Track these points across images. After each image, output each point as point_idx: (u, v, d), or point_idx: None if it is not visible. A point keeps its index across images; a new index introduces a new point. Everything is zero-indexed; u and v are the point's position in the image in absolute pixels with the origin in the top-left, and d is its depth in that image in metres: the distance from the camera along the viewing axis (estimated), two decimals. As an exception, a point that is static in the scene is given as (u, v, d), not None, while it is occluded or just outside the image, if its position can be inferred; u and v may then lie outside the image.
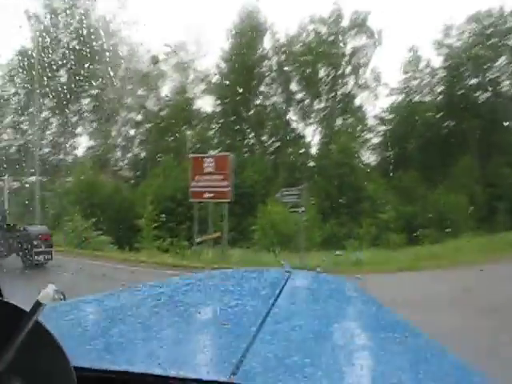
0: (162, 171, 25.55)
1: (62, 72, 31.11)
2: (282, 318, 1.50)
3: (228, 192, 14.41)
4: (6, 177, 15.42)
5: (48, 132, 31.98)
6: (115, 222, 21.33)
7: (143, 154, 32.88)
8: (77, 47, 30.71)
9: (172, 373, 0.95)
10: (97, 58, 30.42)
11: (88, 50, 30.49)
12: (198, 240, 15.05)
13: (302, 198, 15.71)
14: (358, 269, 14.03)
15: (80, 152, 34.67)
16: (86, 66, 30.00)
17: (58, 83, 30.47)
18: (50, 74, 29.99)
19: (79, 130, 32.46)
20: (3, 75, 26.48)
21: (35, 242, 12.59)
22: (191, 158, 16.64)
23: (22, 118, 31.15)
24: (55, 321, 1.21)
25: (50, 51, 30.27)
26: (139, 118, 33.05)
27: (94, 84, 31.76)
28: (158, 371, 0.96)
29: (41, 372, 0.77)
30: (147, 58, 32.64)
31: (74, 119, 32.20)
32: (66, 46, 31.05)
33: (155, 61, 29.78)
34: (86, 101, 32.32)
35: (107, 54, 30.39)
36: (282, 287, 1.91)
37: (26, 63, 30.09)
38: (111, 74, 31.29)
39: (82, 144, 33.56)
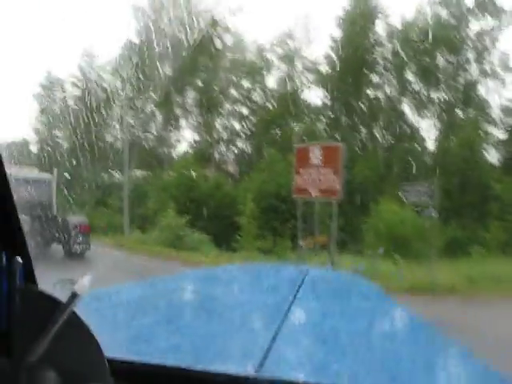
0: (266, 166, 23.68)
1: (167, 64, 30.37)
2: (303, 315, 1.53)
3: (338, 189, 11.85)
4: (55, 170, 15.34)
5: (153, 125, 31.48)
6: (214, 220, 19.95)
7: (248, 148, 31.33)
8: (182, 38, 29.91)
9: (200, 367, 0.96)
10: (201, 48, 29.41)
11: (192, 41, 29.60)
12: (302, 245, 12.75)
13: (432, 196, 12.87)
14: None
15: (184, 146, 34.14)
16: (191, 57, 29.05)
17: (162, 76, 29.82)
18: (154, 67, 29.52)
19: (183, 123, 31.67)
20: (110, 69, 26.03)
21: (73, 232, 13.27)
22: (295, 148, 14.28)
23: (129, 111, 30.98)
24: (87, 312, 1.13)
25: (155, 44, 29.77)
26: (244, 110, 31.53)
27: (199, 76, 30.79)
28: (185, 365, 0.97)
29: (75, 363, 0.78)
30: (253, 47, 31.07)
31: (179, 112, 31.37)
32: (169, 37, 30.34)
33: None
34: (190, 93, 31.42)
35: (211, 44, 29.20)
36: (301, 284, 1.91)
37: (131, 56, 29.82)
38: (216, 64, 30.11)
39: (186, 137, 32.53)
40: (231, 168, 31.34)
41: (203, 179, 24.19)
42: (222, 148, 31.85)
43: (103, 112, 29.70)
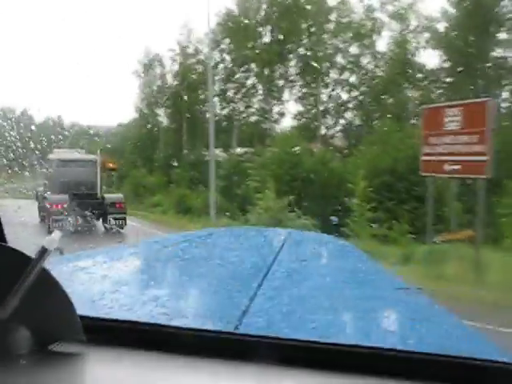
0: (378, 138, 20.90)
1: (267, 32, 28.28)
2: (283, 274, 1.53)
3: (485, 163, 8.82)
4: (98, 152, 16.30)
5: (254, 99, 29.61)
6: (319, 201, 17.73)
7: (357, 120, 28.50)
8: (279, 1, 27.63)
9: (176, 323, 0.96)
10: (302, 12, 26.91)
11: (291, 5, 27.19)
12: (438, 240, 10.01)
13: None
14: None
15: (287, 120, 32.05)
16: (291, 23, 26.69)
17: (262, 45, 27.80)
18: (253, 35, 27.57)
19: (286, 95, 29.35)
20: (207, 42, 24.49)
21: (110, 210, 14.34)
22: (424, 110, 11.34)
23: (228, 85, 29.42)
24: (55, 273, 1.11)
25: (253, 12, 27.79)
26: (352, 78, 28.62)
27: (301, 43, 28.34)
28: (162, 321, 0.97)
29: (46, 319, 0.78)
30: (360, 7, 27.83)
31: (281, 83, 29.14)
32: (267, 2, 28.17)
33: None
34: (292, 63, 29.06)
35: (312, 6, 26.54)
36: (282, 245, 1.97)
37: (230, 26, 28.11)
38: (319, 29, 27.40)
39: (290, 110, 30.29)
40: (339, 142, 28.72)
41: (308, 155, 21.96)
42: (329, 120, 29.25)
43: (202, 86, 28.47)
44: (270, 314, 1.11)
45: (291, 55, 28.76)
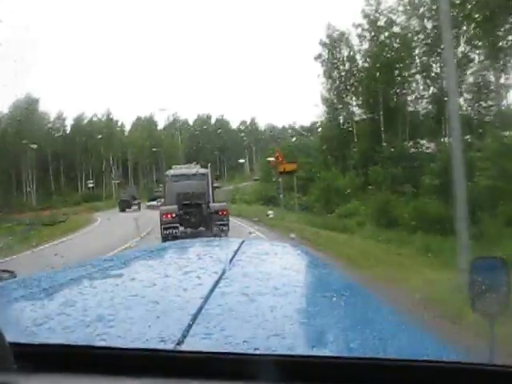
0: None
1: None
2: (231, 287, 1.47)
3: None
4: (209, 165, 18.71)
5: (468, 72, 23.41)
6: None
7: None
8: None
9: (114, 344, 0.94)
10: None
11: None
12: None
13: None
14: None
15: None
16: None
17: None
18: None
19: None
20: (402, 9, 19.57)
21: (214, 217, 15.46)
22: None
23: (432, 58, 23.80)
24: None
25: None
26: None
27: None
28: (100, 343, 0.95)
29: None
30: None
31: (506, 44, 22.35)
32: None
33: None
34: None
35: None
36: (233, 256, 1.89)
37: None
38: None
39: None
40: None
41: None
42: None
43: (399, 65, 23.55)
44: (213, 329, 1.09)
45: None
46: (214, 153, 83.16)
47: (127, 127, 74.63)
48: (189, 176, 16.89)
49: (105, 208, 41.72)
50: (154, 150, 61.36)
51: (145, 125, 74.85)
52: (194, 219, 15.65)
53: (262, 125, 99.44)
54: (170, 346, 0.95)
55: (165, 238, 14.00)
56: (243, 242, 2.29)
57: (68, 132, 63.95)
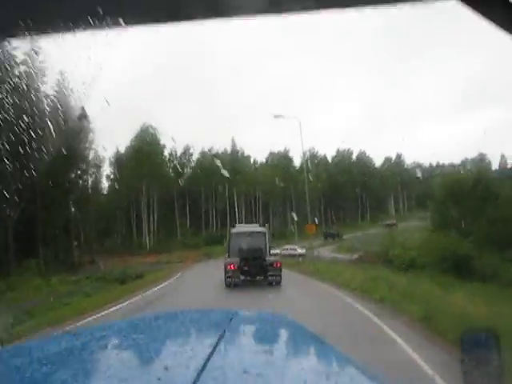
0: None
1: None
2: (223, 361, 1.45)
3: None
4: (266, 225, 23.33)
5: None
6: None
7: None
8: None
9: None
10: None
11: None
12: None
13: None
14: None
15: None
16: None
17: None
18: None
19: None
20: None
21: (269, 268, 17.75)
22: None
23: None
24: None
25: None
26: None
27: None
28: None
29: None
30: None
31: None
32: None
33: None
34: None
35: None
36: (225, 329, 1.81)
37: None
38: None
39: None
40: None
41: None
42: None
43: None
44: None
45: None
46: (355, 190, 75.97)
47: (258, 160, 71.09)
48: (249, 234, 19.08)
49: (220, 254, 35.41)
50: (282, 185, 55.49)
51: (279, 159, 70.53)
52: (252, 270, 17.61)
53: (408, 162, 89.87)
54: None
55: (228, 285, 17.07)
56: (236, 312, 2.23)
57: (193, 166, 61.25)
